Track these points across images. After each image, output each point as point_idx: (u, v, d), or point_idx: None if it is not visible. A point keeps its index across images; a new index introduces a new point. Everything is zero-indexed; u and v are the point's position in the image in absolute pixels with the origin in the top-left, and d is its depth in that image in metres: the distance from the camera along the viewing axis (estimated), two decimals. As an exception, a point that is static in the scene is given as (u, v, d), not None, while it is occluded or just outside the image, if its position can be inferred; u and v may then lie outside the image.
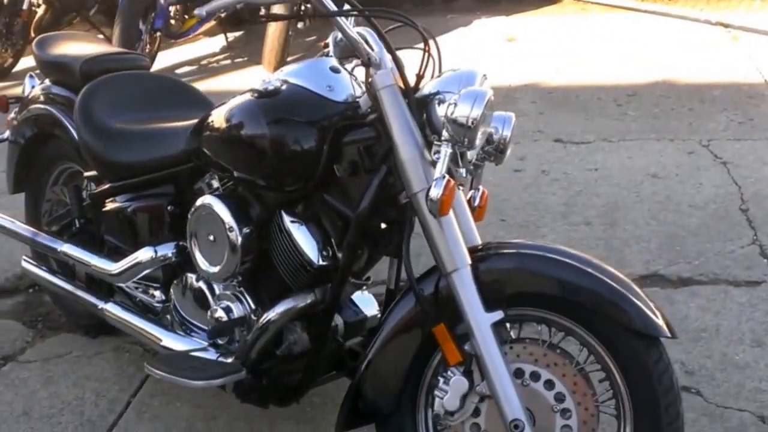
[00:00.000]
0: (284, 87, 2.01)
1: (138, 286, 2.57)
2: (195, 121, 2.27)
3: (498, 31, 7.09)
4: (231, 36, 7.12)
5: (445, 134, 1.80)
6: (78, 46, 2.85)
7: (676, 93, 5.27)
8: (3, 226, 2.93)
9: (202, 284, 2.31)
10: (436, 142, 1.83)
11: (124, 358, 2.89)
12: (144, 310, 2.55)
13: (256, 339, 2.13)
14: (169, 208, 2.38)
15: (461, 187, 2.01)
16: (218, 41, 7.15)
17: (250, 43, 6.88)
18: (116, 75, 2.67)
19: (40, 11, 6.54)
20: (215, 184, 2.25)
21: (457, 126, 1.77)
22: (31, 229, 2.85)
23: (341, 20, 1.88)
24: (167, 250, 2.35)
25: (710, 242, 3.42)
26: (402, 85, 1.89)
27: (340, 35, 2.07)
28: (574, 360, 1.87)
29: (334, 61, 2.04)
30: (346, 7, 1.97)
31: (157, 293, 2.51)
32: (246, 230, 2.12)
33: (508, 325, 1.95)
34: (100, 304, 2.58)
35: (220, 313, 2.22)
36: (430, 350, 1.92)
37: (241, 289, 2.23)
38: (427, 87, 1.92)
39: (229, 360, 2.20)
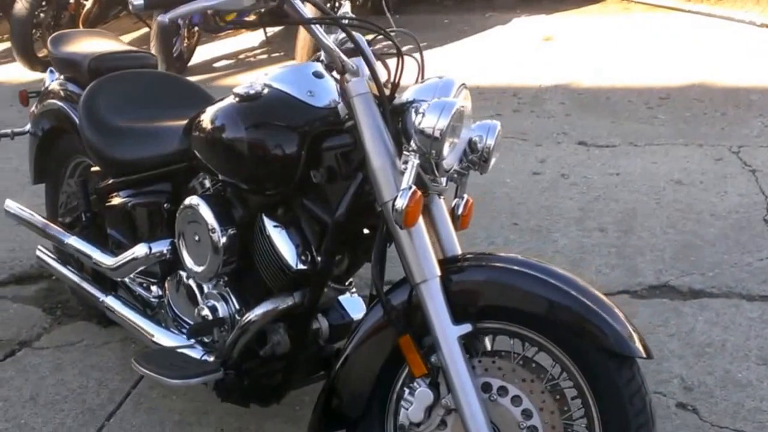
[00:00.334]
0: (265, 91, 2.01)
1: (138, 281, 2.62)
2: None
3: (536, 30, 7.03)
4: (270, 31, 7.18)
5: (412, 144, 1.79)
6: (89, 43, 2.90)
7: (710, 96, 5.18)
8: (17, 215, 3.01)
9: (192, 282, 2.34)
10: (405, 152, 1.81)
11: (129, 349, 2.94)
12: (143, 305, 2.59)
13: (236, 339, 2.14)
14: (165, 205, 2.41)
15: (442, 197, 2.00)
16: (258, 36, 7.21)
17: (288, 38, 6.89)
18: (122, 73, 2.72)
19: (88, 4, 6.67)
20: (207, 183, 2.27)
21: (423, 137, 1.76)
22: (43, 220, 2.92)
23: (315, 27, 1.86)
24: (162, 246, 2.38)
25: (727, 253, 3.36)
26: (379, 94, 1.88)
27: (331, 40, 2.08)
28: (546, 376, 1.84)
29: (318, 66, 2.02)
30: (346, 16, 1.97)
31: (154, 289, 2.55)
32: (228, 232, 2.13)
33: (488, 338, 1.95)
34: (102, 297, 2.63)
35: (206, 312, 2.24)
36: (399, 360, 1.91)
37: (227, 289, 2.25)
38: (405, 95, 1.90)
39: (212, 359, 2.23)
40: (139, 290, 2.61)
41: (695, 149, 4.43)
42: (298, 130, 1.98)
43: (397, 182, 1.79)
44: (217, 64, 6.65)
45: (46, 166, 3.10)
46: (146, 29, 7.01)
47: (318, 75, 2.02)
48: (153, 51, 6.04)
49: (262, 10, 1.85)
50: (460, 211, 2.10)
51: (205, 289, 2.31)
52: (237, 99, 2.04)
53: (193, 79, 6.34)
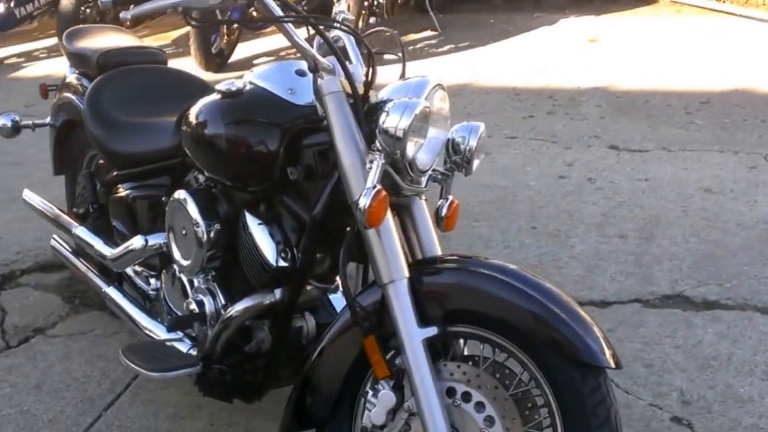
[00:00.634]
0: (247, 88, 2.03)
1: (142, 274, 2.66)
2: None
3: (582, 31, 6.95)
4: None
5: (377, 144, 1.78)
6: (101, 39, 2.95)
7: (752, 103, 5.05)
8: (32, 205, 3.09)
9: (183, 276, 2.37)
10: (370, 152, 1.80)
11: (136, 339, 2.98)
12: (143, 298, 2.63)
13: (218, 334, 2.16)
14: (164, 198, 2.43)
15: (424, 197, 1.99)
16: (301, 33, 7.24)
17: (331, 34, 6.94)
18: (128, 68, 2.76)
19: None
20: (201, 178, 2.30)
21: (387, 136, 1.74)
22: (55, 210, 2.99)
23: (287, 26, 1.85)
24: (159, 239, 2.41)
25: (748, 264, 3.27)
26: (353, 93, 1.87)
27: (321, 41, 2.08)
28: (514, 383, 1.82)
29: (302, 65, 2.03)
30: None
31: (153, 281, 2.59)
32: (212, 227, 2.14)
33: (462, 341, 1.93)
34: (104, 288, 2.68)
35: (194, 306, 2.26)
36: (367, 361, 1.91)
37: (215, 283, 2.26)
38: (380, 94, 1.89)
39: (195, 353, 2.25)
40: (140, 282, 2.65)
41: (730, 156, 4.32)
42: (276, 127, 1.99)
43: (366, 181, 1.78)
44: (257, 61, 6.69)
45: (65, 158, 3.17)
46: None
47: (301, 73, 2.02)
48: (192, 47, 6.12)
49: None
50: (444, 212, 2.08)
51: (195, 283, 2.33)
52: (220, 95, 2.06)
53: (229, 75, 6.57)
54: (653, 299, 3.08)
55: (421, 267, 1.87)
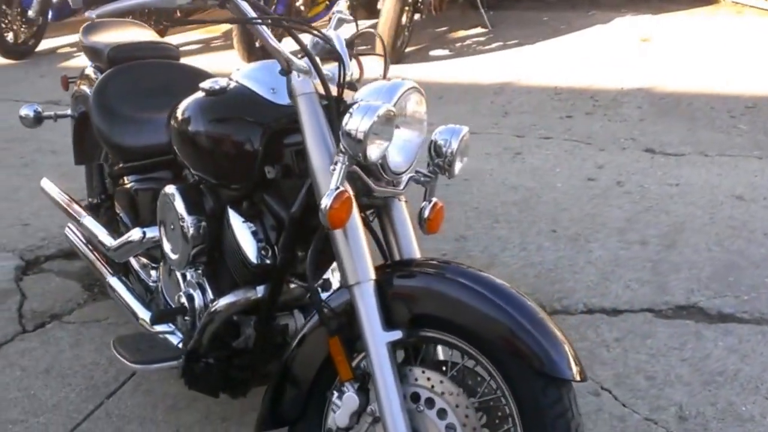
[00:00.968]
0: (231, 86, 2.04)
1: (146, 266, 2.71)
2: None
3: (636, 30, 6.82)
4: (362, 24, 7.21)
5: (341, 146, 1.77)
6: (116, 33, 3.00)
7: (802, 108, 4.89)
8: (48, 193, 3.16)
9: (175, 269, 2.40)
10: (336, 154, 1.80)
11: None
12: (146, 290, 2.67)
13: (203, 328, 2.18)
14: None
15: (404, 199, 1.98)
16: (349, 29, 7.25)
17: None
18: (137, 63, 2.80)
19: None
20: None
21: (349, 138, 1.74)
22: (68, 200, 3.06)
23: (260, 27, 1.85)
24: (155, 232, 2.45)
25: (771, 277, 3.18)
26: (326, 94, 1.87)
27: (317, 39, 2.08)
28: (481, 390, 1.80)
29: None
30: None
31: (153, 273, 2.63)
32: (197, 222, 2.16)
33: (436, 347, 1.91)
34: (108, 278, 2.73)
35: (184, 299, 2.29)
36: None
37: (204, 278, 2.29)
38: (356, 95, 1.88)
39: (181, 347, 2.28)
40: (143, 275, 2.70)
41: (768, 163, 4.19)
42: (256, 126, 2.00)
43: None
44: (301, 54, 6.72)
45: (84, 148, 3.23)
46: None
47: (284, 73, 2.02)
48: (234, 41, 6.18)
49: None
50: (426, 214, 2.06)
51: (188, 277, 2.36)
52: (203, 93, 2.08)
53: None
54: (666, 309, 3.01)
55: (389, 270, 1.87)
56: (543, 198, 3.90)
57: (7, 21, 7.05)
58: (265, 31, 1.87)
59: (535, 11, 7.64)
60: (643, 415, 2.48)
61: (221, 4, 1.84)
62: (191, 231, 2.16)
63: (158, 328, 2.42)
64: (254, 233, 2.08)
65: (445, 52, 6.61)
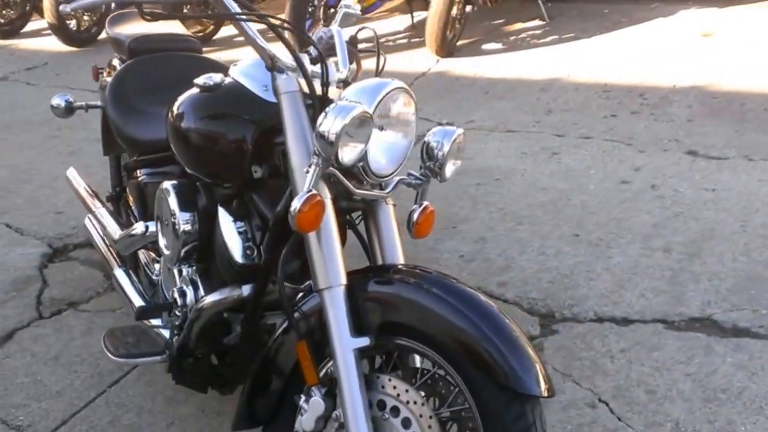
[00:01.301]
0: (225, 82, 2.03)
1: (153, 259, 2.75)
2: None
3: (699, 24, 6.58)
4: (417, 15, 7.17)
5: (315, 148, 1.74)
6: (141, 25, 3.01)
7: None
8: (72, 183, 3.23)
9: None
10: (312, 156, 1.77)
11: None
12: (150, 284, 2.72)
13: (190, 325, 2.21)
14: None
15: (391, 202, 1.95)
16: (404, 20, 7.22)
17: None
18: (154, 56, 2.82)
19: None
20: None
21: (321, 140, 1.70)
22: (85, 191, 3.12)
23: (243, 23, 1.84)
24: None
25: (797, 291, 3.04)
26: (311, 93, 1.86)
27: (322, 33, 2.07)
28: (448, 401, 1.78)
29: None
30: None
31: (157, 267, 2.67)
32: (188, 219, 2.18)
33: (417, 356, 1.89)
34: (114, 269, 2.79)
35: (176, 295, 2.32)
36: None
37: (197, 275, 2.32)
38: (343, 94, 1.83)
39: (168, 342, 2.31)
40: (149, 268, 2.75)
41: (816, 169, 4.01)
42: (247, 123, 1.99)
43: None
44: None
45: (111, 139, 3.29)
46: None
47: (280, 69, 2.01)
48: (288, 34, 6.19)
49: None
50: (415, 218, 2.01)
51: (184, 273, 2.39)
52: (198, 89, 2.08)
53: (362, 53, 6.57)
54: (678, 321, 2.91)
55: (363, 275, 1.86)
56: (572, 201, 3.82)
57: None
58: (248, 27, 1.85)
59: (597, 3, 7.45)
60: (637, 430, 2.41)
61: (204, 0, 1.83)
62: (182, 228, 2.17)
63: (154, 321, 2.46)
64: (241, 233, 2.08)
65: (498, 45, 6.51)
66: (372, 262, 1.98)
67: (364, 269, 1.94)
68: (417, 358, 1.92)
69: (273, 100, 1.96)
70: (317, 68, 1.95)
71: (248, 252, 2.08)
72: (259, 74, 2.01)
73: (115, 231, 2.74)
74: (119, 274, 2.76)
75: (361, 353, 1.79)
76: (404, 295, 1.77)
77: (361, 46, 2.22)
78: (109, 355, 2.29)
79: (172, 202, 2.21)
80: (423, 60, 6.22)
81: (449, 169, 1.94)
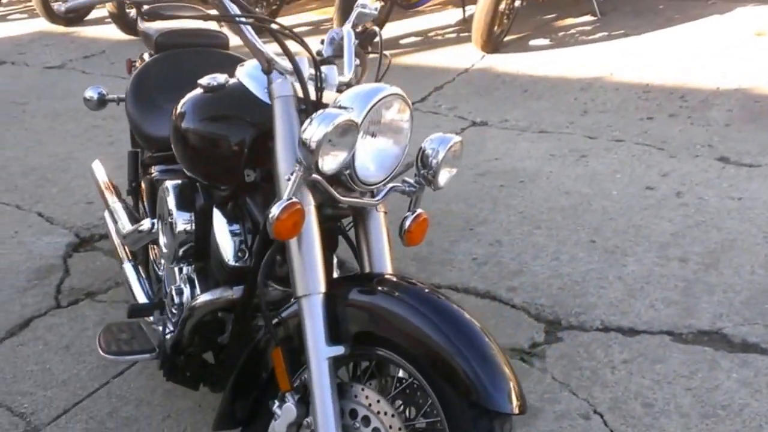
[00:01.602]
0: (229, 83, 2.03)
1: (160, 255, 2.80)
2: None
3: (753, 22, 6.39)
4: (470, 10, 7.09)
5: (297, 156, 1.75)
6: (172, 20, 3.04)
7: None
8: (94, 175, 3.30)
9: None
10: (296, 163, 1.77)
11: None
12: (157, 280, 2.77)
13: (183, 323, 2.24)
14: None
15: (382, 210, 1.95)
16: (456, 14, 7.16)
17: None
18: (179, 51, 2.82)
19: None
20: None
21: (303, 148, 1.70)
22: (104, 184, 3.18)
23: (242, 27, 1.84)
24: None
25: (815, 306, 2.95)
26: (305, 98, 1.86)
27: (334, 34, 2.07)
28: (421, 412, 1.78)
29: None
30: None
31: (163, 263, 2.72)
32: (184, 219, 2.21)
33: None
34: (124, 263, 2.85)
35: (173, 292, 2.36)
36: None
37: (194, 274, 2.35)
38: (339, 100, 1.82)
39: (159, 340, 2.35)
40: (156, 265, 2.79)
41: None
42: (245, 126, 1.99)
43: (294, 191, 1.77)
44: (404, 41, 6.71)
45: None
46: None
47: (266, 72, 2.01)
48: (335, 25, 6.21)
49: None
50: (407, 225, 1.99)
51: (183, 271, 2.43)
52: (201, 90, 2.08)
53: (373, 55, 6.56)
54: (686, 333, 2.85)
55: (343, 284, 1.86)
56: (593, 206, 3.76)
57: None
58: (246, 29, 1.85)
59: (652, -1, 7.29)
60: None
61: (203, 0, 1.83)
62: (178, 228, 2.20)
63: (151, 318, 2.50)
64: (234, 235, 2.10)
65: (545, 41, 6.42)
66: (360, 270, 1.98)
67: (348, 277, 1.94)
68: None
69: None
70: (325, 71, 1.92)
71: (239, 254, 2.09)
72: (263, 76, 1.98)
73: (126, 226, 2.79)
74: (127, 268, 2.81)
75: (339, 361, 1.80)
76: (382, 306, 1.76)
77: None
78: (100, 352, 2.33)
79: (171, 201, 2.24)
80: (468, 55, 6.17)
81: (443, 177, 1.92)
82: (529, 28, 6.73)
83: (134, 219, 2.87)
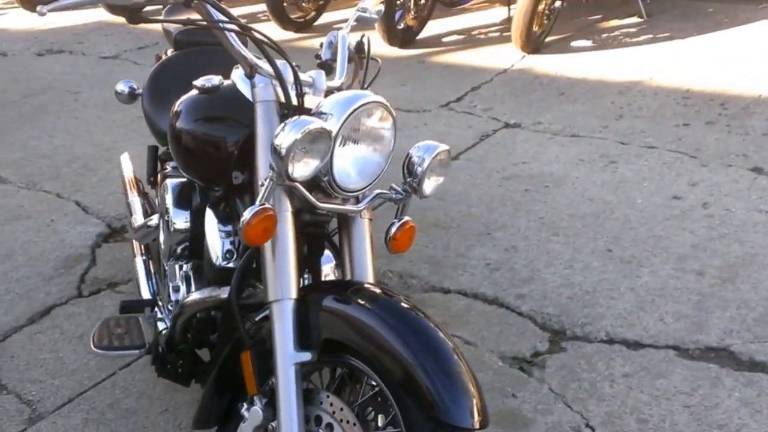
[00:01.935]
0: (222, 86, 2.05)
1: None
2: None
3: (806, 28, 6.21)
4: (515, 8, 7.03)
5: (270, 162, 1.75)
6: (195, 16, 3.08)
7: None
8: (121, 168, 3.37)
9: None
10: (269, 169, 1.77)
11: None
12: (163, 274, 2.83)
13: (174, 320, 2.29)
14: None
15: (365, 217, 1.95)
16: (502, 13, 7.10)
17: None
18: (196, 49, 2.84)
19: None
20: None
21: (274, 153, 1.70)
22: (127, 178, 3.25)
23: (226, 32, 1.87)
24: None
25: (832, 326, 2.87)
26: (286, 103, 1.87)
27: (332, 38, 2.08)
28: (387, 420, 1.79)
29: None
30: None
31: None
32: (180, 218, 2.25)
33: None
34: (136, 257, 2.91)
35: (170, 289, 2.41)
36: None
37: (191, 272, 2.39)
38: (321, 105, 1.83)
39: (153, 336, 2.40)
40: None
41: None
42: (236, 128, 2.00)
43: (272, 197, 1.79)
44: (446, 39, 6.68)
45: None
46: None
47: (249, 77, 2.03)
48: (375, 23, 6.22)
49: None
50: (393, 232, 1.98)
51: (175, 269, 2.47)
52: (197, 91, 2.10)
53: (413, 52, 6.62)
54: (693, 349, 2.80)
55: (315, 290, 1.88)
56: (615, 214, 3.71)
57: None
58: (230, 35, 1.87)
59: (702, 1, 7.12)
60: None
61: (186, 4, 1.84)
62: (173, 226, 2.25)
63: (149, 313, 2.56)
64: (223, 236, 2.13)
65: (588, 43, 6.33)
66: (342, 276, 1.99)
67: (325, 283, 1.95)
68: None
69: None
70: (312, 76, 1.94)
71: (227, 255, 2.12)
72: None
73: (139, 220, 2.85)
74: (138, 262, 2.87)
75: (310, 368, 1.82)
76: (352, 315, 1.76)
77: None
78: (92, 347, 2.39)
79: (168, 199, 2.29)
80: (508, 56, 6.12)
81: (429, 185, 1.91)
82: (573, 29, 6.64)
83: (148, 214, 2.93)
